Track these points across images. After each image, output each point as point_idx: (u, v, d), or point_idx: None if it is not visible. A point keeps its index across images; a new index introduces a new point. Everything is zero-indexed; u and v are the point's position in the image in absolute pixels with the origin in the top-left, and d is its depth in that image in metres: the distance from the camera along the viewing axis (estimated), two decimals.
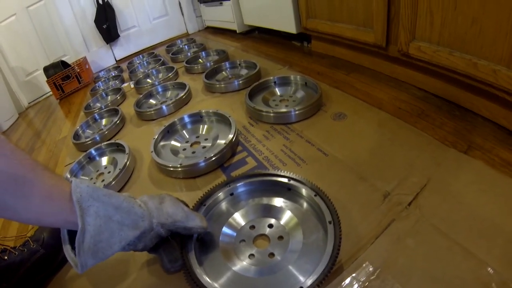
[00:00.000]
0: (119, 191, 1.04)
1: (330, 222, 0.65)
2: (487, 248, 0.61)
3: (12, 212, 0.48)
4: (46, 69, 2.48)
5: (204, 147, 1.11)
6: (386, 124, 1.03)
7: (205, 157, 0.97)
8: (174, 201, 0.65)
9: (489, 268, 0.58)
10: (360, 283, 0.60)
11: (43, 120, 2.21)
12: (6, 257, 0.77)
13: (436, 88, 1.15)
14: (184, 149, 1.13)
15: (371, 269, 0.62)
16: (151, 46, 3.11)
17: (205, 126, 1.22)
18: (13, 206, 0.46)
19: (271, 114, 1.15)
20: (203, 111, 1.23)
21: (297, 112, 1.12)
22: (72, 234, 0.53)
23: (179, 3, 3.08)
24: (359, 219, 0.73)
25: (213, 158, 0.98)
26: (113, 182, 1.02)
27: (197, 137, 1.18)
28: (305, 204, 0.76)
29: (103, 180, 1.10)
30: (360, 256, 0.65)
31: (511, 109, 0.90)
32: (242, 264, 0.67)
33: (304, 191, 0.76)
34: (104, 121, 1.60)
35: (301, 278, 0.60)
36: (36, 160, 0.52)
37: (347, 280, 0.61)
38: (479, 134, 0.92)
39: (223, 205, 0.81)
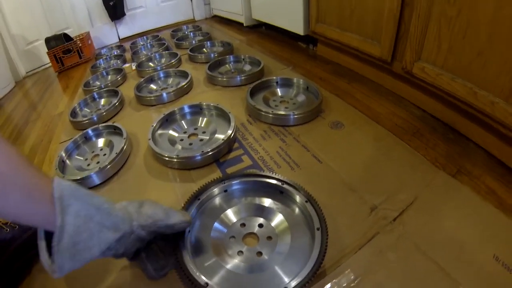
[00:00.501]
0: (114, 175, 1.06)
1: (318, 229, 0.68)
2: (462, 270, 0.65)
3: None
4: (47, 40, 2.45)
5: (201, 140, 1.13)
6: (381, 139, 1.06)
7: (202, 151, 0.99)
8: (153, 203, 0.65)
9: None
10: None
11: (40, 92, 2.20)
12: None
13: (434, 109, 1.17)
14: (182, 140, 1.15)
15: (352, 277, 0.66)
16: (156, 29, 3.10)
17: (205, 119, 1.23)
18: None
19: (270, 115, 1.17)
20: (204, 103, 1.25)
21: (296, 116, 1.14)
22: (48, 235, 0.51)
23: None
24: (345, 228, 0.76)
25: (210, 153, 1.00)
26: (109, 166, 1.03)
27: (196, 129, 1.20)
28: (296, 209, 0.79)
29: (98, 162, 1.11)
30: (343, 264, 0.69)
31: (504, 141, 0.93)
32: (231, 260, 0.70)
33: (296, 196, 0.79)
34: (103, 101, 1.60)
35: (286, 279, 0.64)
36: (21, 155, 0.50)
37: (329, 285, 0.65)
38: (469, 160, 0.96)
39: (217, 201, 0.84)
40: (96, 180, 1.02)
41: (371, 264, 0.68)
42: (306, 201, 0.75)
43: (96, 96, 1.62)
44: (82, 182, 1.00)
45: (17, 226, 0.80)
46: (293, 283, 0.60)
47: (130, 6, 2.90)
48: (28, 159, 0.51)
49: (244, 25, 2.56)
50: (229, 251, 0.72)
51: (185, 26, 2.78)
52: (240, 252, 0.71)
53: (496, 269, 0.65)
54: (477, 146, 1.02)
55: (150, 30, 3.09)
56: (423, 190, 0.85)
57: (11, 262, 0.76)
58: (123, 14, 2.85)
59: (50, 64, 2.58)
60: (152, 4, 3.01)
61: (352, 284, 0.65)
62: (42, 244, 0.50)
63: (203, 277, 0.62)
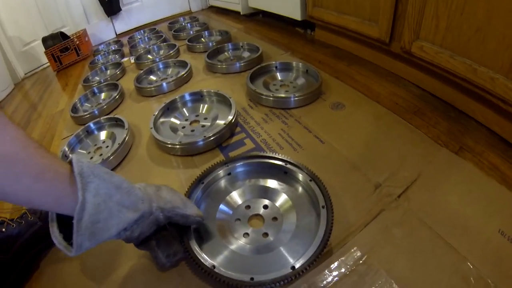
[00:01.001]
0: (117, 166, 1.06)
1: (323, 207, 0.69)
2: (468, 245, 0.65)
3: (12, 198, 0.45)
4: (44, 40, 2.45)
5: (203, 126, 1.13)
6: (382, 118, 1.06)
7: (204, 136, 0.99)
8: (171, 189, 0.65)
9: (469, 263, 0.62)
10: (348, 266, 0.64)
11: (39, 91, 2.20)
12: (4, 229, 0.78)
13: (434, 88, 1.17)
14: (183, 127, 1.15)
15: (358, 254, 0.66)
16: (152, 22, 3.09)
17: (205, 105, 1.24)
18: (0, 186, 0.43)
19: (271, 98, 1.17)
20: (204, 90, 1.25)
21: (296, 98, 1.14)
22: (60, 217, 0.51)
23: None
24: (350, 206, 0.76)
25: (212, 138, 1.00)
26: (112, 157, 1.04)
27: (197, 115, 1.20)
28: (300, 188, 0.79)
29: (101, 154, 1.11)
30: (349, 242, 0.69)
31: (505, 116, 0.93)
32: (237, 242, 0.70)
33: (299, 175, 0.79)
34: (103, 95, 1.61)
35: (292, 259, 0.64)
36: (30, 137, 0.49)
37: (336, 263, 0.65)
38: (471, 137, 0.96)
39: (221, 183, 0.84)
40: None
41: (377, 241, 0.68)
42: (310, 180, 0.76)
43: (96, 90, 1.62)
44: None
45: (23, 222, 0.80)
46: (300, 262, 0.60)
47: (125, 1, 2.89)
48: (37, 141, 0.50)
49: (241, 13, 2.56)
50: (235, 234, 0.72)
51: (182, 18, 2.77)
52: (246, 234, 0.72)
53: (502, 243, 0.65)
54: (478, 123, 1.02)
55: (146, 24, 3.08)
56: (426, 167, 0.85)
57: (19, 257, 0.77)
58: (119, 9, 2.84)
59: (48, 64, 2.58)
60: None
61: (359, 262, 0.65)
62: (54, 228, 0.49)
63: (209, 260, 0.63)
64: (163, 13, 3.14)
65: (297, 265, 0.60)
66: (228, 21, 2.61)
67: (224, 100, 1.20)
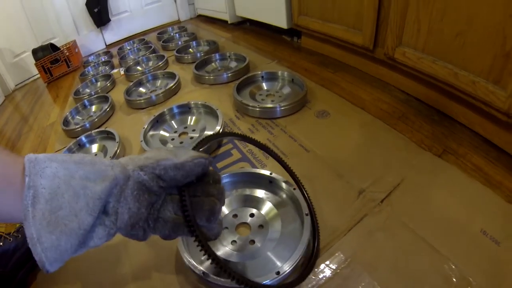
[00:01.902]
0: None
1: (307, 215, 0.72)
2: (450, 246, 0.68)
3: None
4: (34, 52, 2.46)
5: (191, 137, 1.16)
6: (367, 125, 1.09)
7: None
8: (160, 148, 0.54)
9: (451, 263, 0.65)
10: (332, 270, 0.67)
11: (30, 104, 2.21)
12: (1, 243, 0.80)
13: (418, 92, 1.21)
14: (173, 139, 1.17)
15: (342, 258, 0.69)
16: (142, 32, 3.12)
17: (193, 117, 1.26)
18: None
19: (257, 109, 1.20)
20: (192, 102, 1.28)
21: (282, 108, 1.18)
22: None
23: None
24: (334, 212, 0.79)
25: (200, 150, 1.02)
26: None
27: (185, 127, 1.23)
28: (284, 196, 0.83)
29: None
30: (333, 246, 0.72)
31: (487, 118, 0.96)
32: (225, 249, 0.73)
33: (284, 184, 0.82)
34: (94, 108, 1.63)
35: (278, 264, 0.67)
36: None
37: (321, 267, 0.68)
38: (455, 139, 0.99)
39: None
40: None
41: (361, 245, 0.72)
42: (294, 189, 0.79)
43: (87, 103, 1.64)
44: None
45: (20, 235, 0.83)
46: (285, 267, 0.63)
47: (114, 12, 2.91)
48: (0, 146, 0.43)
49: (229, 22, 2.59)
50: (223, 241, 0.75)
51: (170, 28, 2.80)
52: (233, 242, 0.75)
53: (484, 243, 0.69)
54: (462, 125, 1.05)
55: (136, 34, 3.11)
56: (409, 172, 0.88)
57: (17, 270, 0.79)
58: (108, 20, 2.86)
59: (38, 75, 2.59)
60: (137, 8, 3.02)
61: (343, 265, 0.68)
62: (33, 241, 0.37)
63: (200, 267, 0.66)
64: (152, 22, 3.17)
65: (282, 270, 0.63)
66: (216, 30, 2.64)
67: (211, 112, 1.22)
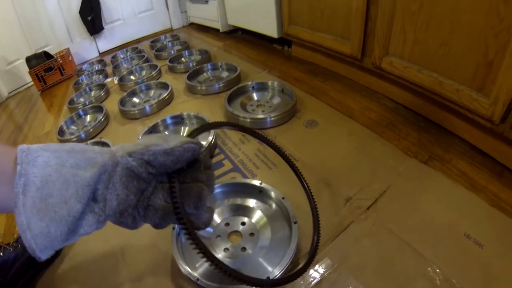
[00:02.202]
0: None
1: (295, 223, 0.76)
2: (434, 250, 0.72)
3: None
4: (28, 60, 2.47)
5: None
6: (355, 133, 1.13)
7: None
8: (152, 135, 0.52)
9: (435, 266, 0.69)
10: (320, 275, 0.71)
11: (24, 112, 2.22)
12: (1, 253, 0.82)
13: (406, 100, 1.25)
14: None
15: (330, 264, 0.73)
16: (135, 40, 3.14)
17: (186, 128, 1.30)
18: None
19: (248, 119, 1.24)
20: (185, 113, 1.31)
21: (272, 118, 1.21)
22: None
23: None
24: (322, 220, 0.80)
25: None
26: None
27: None
28: (274, 205, 0.87)
29: None
30: (321, 252, 0.76)
31: (472, 124, 1.01)
32: (218, 256, 0.77)
33: (273, 193, 0.86)
34: (88, 118, 1.65)
35: (269, 269, 0.71)
36: None
37: (311, 273, 0.72)
38: (441, 146, 1.04)
39: None
40: None
41: (347, 251, 0.75)
42: (283, 198, 0.83)
43: (81, 113, 1.67)
44: None
45: (19, 245, 0.85)
46: (276, 271, 0.67)
47: (108, 20, 2.93)
48: None
49: (221, 31, 2.62)
50: (216, 249, 0.79)
51: (163, 36, 2.83)
52: (226, 249, 0.79)
53: (467, 246, 0.72)
54: (448, 132, 1.10)
55: (129, 42, 3.13)
56: (395, 179, 0.92)
57: (16, 279, 0.82)
58: (102, 28, 2.89)
59: (32, 83, 2.60)
60: (130, 16, 3.05)
61: (330, 270, 0.72)
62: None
63: (194, 273, 0.70)
64: (145, 31, 3.20)
65: (272, 275, 0.67)
66: (208, 38, 2.68)
67: (203, 122, 1.25)
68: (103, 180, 0.41)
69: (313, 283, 0.70)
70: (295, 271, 0.56)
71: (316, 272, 0.72)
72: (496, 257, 0.70)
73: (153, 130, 1.29)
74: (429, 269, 0.69)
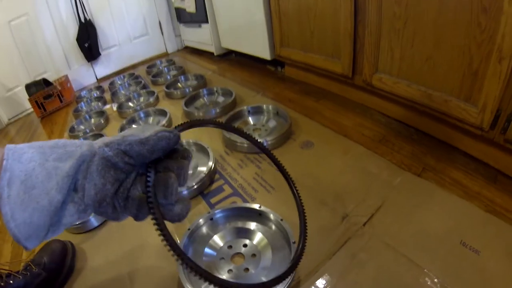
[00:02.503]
0: None
1: (294, 242, 0.81)
2: (430, 259, 0.76)
3: None
4: (28, 87, 2.53)
5: None
6: (349, 151, 1.18)
7: (188, 186, 1.11)
8: (137, 127, 0.51)
9: (432, 275, 0.73)
10: None
11: (25, 139, 2.27)
12: (11, 281, 0.86)
13: (398, 114, 1.31)
14: None
15: (329, 279, 0.78)
16: (131, 65, 3.21)
17: None
18: None
19: (245, 145, 1.29)
20: (184, 140, 1.37)
21: (268, 142, 1.27)
22: None
23: (159, 23, 3.20)
24: (320, 238, 0.88)
25: (195, 186, 1.12)
26: None
27: None
28: (273, 227, 0.92)
29: None
30: (321, 269, 0.81)
31: (463, 133, 1.06)
32: (222, 277, 0.81)
33: (272, 216, 0.92)
34: None
35: None
36: None
37: None
38: (433, 156, 1.09)
39: (204, 229, 0.96)
40: (95, 222, 1.12)
41: (345, 266, 0.80)
42: (281, 219, 0.88)
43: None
44: (81, 225, 1.10)
45: (28, 274, 0.89)
46: None
47: (104, 46, 3.01)
48: None
49: (215, 54, 2.68)
50: (221, 271, 0.84)
51: (159, 61, 2.91)
52: (230, 271, 0.83)
53: (464, 253, 0.76)
54: (440, 142, 1.16)
55: (126, 67, 3.20)
56: (390, 193, 0.97)
57: None
58: (99, 54, 2.96)
59: (31, 109, 2.66)
60: (125, 42, 3.12)
61: (329, 285, 0.76)
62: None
63: None
64: (141, 55, 3.27)
65: None
66: (202, 62, 2.74)
67: (202, 149, 1.31)
68: (82, 170, 0.43)
69: None
70: (276, 277, 0.58)
71: None
72: (492, 262, 0.74)
73: None
74: (426, 278, 0.73)
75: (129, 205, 0.45)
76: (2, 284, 0.85)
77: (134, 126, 1.74)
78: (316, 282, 0.78)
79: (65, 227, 0.44)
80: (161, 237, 0.42)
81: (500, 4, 0.82)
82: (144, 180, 0.45)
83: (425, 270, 0.74)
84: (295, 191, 0.75)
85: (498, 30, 0.84)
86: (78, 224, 1.10)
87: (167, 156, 0.47)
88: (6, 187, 0.38)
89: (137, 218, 0.46)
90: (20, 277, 0.88)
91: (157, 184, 0.44)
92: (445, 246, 0.79)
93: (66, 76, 2.79)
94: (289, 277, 0.67)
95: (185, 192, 1.11)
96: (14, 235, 0.38)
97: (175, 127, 0.49)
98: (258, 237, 0.91)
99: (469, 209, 0.88)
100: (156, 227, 0.42)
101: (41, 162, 0.41)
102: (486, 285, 0.70)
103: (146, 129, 0.45)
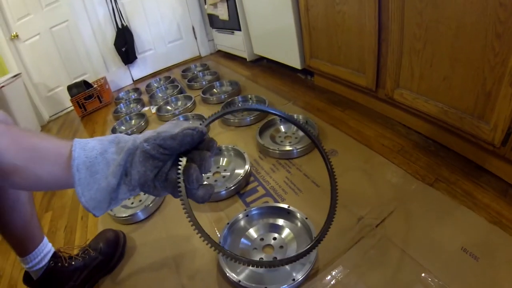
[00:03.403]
0: (156, 211, 1.35)
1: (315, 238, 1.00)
2: (432, 261, 0.89)
3: (24, 175, 0.50)
4: (69, 88, 2.77)
5: (223, 176, 1.43)
6: (369, 161, 1.33)
7: (226, 187, 1.30)
8: (174, 121, 0.60)
9: (431, 274, 0.86)
10: (335, 279, 0.92)
11: (68, 137, 2.32)
12: (73, 263, 1.06)
13: (417, 126, 1.43)
14: (208, 178, 1.44)
15: (343, 270, 0.94)
16: (165, 68, 3.43)
17: (225, 159, 1.53)
18: (25, 167, 0.49)
19: (277, 151, 1.48)
20: (223, 146, 1.55)
21: (298, 150, 1.44)
22: None
23: (193, 28, 3.41)
24: (338, 235, 1.04)
25: (233, 187, 1.31)
26: (151, 204, 1.33)
27: (218, 167, 1.49)
28: (299, 224, 1.11)
29: (140, 200, 1.41)
30: (336, 261, 0.97)
31: (477, 147, 1.17)
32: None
33: (298, 215, 1.10)
34: None
35: (294, 274, 0.95)
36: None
37: (327, 277, 0.94)
38: (448, 168, 1.21)
39: (242, 223, 1.15)
40: (141, 216, 1.32)
41: (358, 260, 0.96)
42: (306, 218, 1.07)
43: None
44: (130, 218, 1.31)
45: (87, 256, 1.10)
46: (299, 276, 0.92)
47: (140, 50, 3.24)
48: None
49: (247, 60, 2.83)
50: (253, 258, 1.01)
51: (193, 65, 3.09)
52: (261, 259, 1.03)
53: (463, 259, 0.88)
54: (456, 154, 1.27)
55: (160, 70, 3.42)
56: (402, 200, 1.11)
57: (83, 284, 1.08)
58: (135, 58, 3.19)
59: (71, 108, 2.92)
60: (160, 46, 3.35)
61: (343, 275, 0.93)
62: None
63: (236, 276, 0.95)
64: (175, 59, 3.48)
65: (296, 278, 0.92)
66: (235, 67, 2.90)
67: (239, 154, 1.49)
68: (129, 161, 0.53)
69: (328, 286, 0.91)
70: (303, 251, 0.70)
71: (331, 276, 0.93)
72: (490, 268, 0.84)
73: None
74: (426, 276, 0.85)
75: (167, 184, 0.55)
76: (66, 264, 1.05)
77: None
78: (332, 272, 0.94)
79: (122, 201, 0.56)
80: (186, 215, 0.55)
81: None
82: (176, 166, 0.55)
83: (427, 269, 0.87)
84: (333, 179, 0.83)
85: (510, 55, 0.92)
86: (128, 216, 1.30)
87: (195, 147, 0.56)
88: (76, 172, 0.49)
89: (174, 195, 0.56)
90: (80, 259, 1.08)
91: (183, 172, 0.54)
92: (447, 251, 0.91)
93: (105, 78, 3.03)
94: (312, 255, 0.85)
95: (223, 192, 1.29)
96: (85, 206, 0.51)
97: (200, 123, 0.59)
98: (285, 232, 1.09)
99: (475, 219, 0.98)
100: (182, 206, 0.55)
101: (101, 152, 0.52)
102: (480, 286, 0.82)
103: (177, 125, 0.55)
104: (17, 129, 0.52)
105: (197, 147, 0.56)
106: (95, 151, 0.51)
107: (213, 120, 0.62)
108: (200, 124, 0.58)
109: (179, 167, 0.54)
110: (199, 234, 0.55)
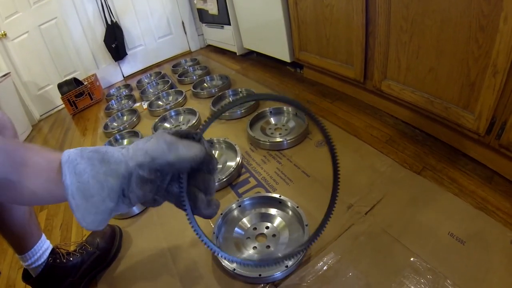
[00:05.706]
0: (148, 208, 1.38)
1: (306, 225, 1.03)
2: (420, 245, 0.92)
3: (18, 190, 0.49)
4: (60, 86, 2.76)
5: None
6: (358, 150, 1.36)
7: (218, 178, 1.33)
8: (161, 134, 0.54)
9: (420, 258, 0.89)
10: (327, 265, 0.95)
11: (60, 135, 2.49)
12: (71, 258, 1.07)
13: (404, 116, 1.46)
14: None
15: (334, 256, 0.97)
16: (156, 63, 3.43)
17: (217, 151, 1.55)
18: (18, 182, 0.48)
19: (268, 143, 1.51)
20: (215, 139, 1.57)
21: (288, 141, 1.47)
22: None
23: (182, 23, 3.41)
24: (328, 223, 0.97)
25: (225, 179, 1.33)
26: None
27: None
28: (290, 213, 1.14)
29: None
30: (327, 248, 1.00)
31: (462, 136, 1.20)
32: (248, 253, 1.04)
33: (289, 204, 1.13)
34: (125, 142, 1.92)
35: (286, 261, 0.96)
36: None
37: (319, 264, 0.96)
38: (434, 156, 1.24)
39: (235, 213, 1.18)
40: (136, 210, 1.35)
41: (348, 246, 0.99)
42: (297, 207, 1.10)
43: (118, 137, 1.93)
44: (125, 212, 1.32)
45: (84, 252, 1.12)
46: (291, 263, 0.95)
47: (130, 46, 3.23)
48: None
49: (237, 54, 2.84)
50: (247, 247, 1.06)
51: (183, 60, 3.10)
52: (254, 247, 1.05)
53: (450, 243, 0.91)
54: (443, 143, 1.30)
55: (151, 65, 3.42)
56: (391, 188, 1.14)
57: (82, 278, 1.09)
58: (125, 54, 3.18)
59: (62, 106, 2.91)
60: (151, 41, 3.34)
61: (334, 261, 0.96)
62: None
63: (230, 265, 0.98)
64: (165, 54, 3.47)
65: (289, 264, 0.94)
66: (225, 61, 2.92)
67: (230, 147, 1.52)
68: (126, 186, 0.52)
69: (321, 271, 0.94)
70: (305, 242, 0.78)
71: (323, 262, 0.96)
72: (475, 251, 0.88)
73: None
74: (415, 260, 0.89)
75: (169, 197, 0.57)
76: (64, 260, 1.06)
77: (167, 125, 1.97)
78: (324, 258, 0.97)
79: (122, 212, 0.61)
80: (195, 232, 0.59)
81: (496, 23, 0.92)
82: (178, 183, 0.55)
83: (415, 254, 0.90)
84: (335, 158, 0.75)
85: (493, 47, 0.95)
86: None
87: (195, 169, 0.56)
88: (72, 199, 0.48)
89: (177, 206, 0.58)
90: (78, 255, 1.10)
91: (188, 197, 0.55)
92: (435, 236, 0.94)
93: (95, 75, 3.02)
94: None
95: (215, 184, 1.28)
96: (86, 228, 0.51)
97: (198, 129, 0.57)
98: (277, 220, 1.12)
99: (461, 205, 1.02)
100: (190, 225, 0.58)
101: (92, 174, 0.50)
102: (465, 268, 0.85)
103: (174, 147, 0.51)
104: (10, 142, 0.51)
105: (198, 168, 0.56)
106: (86, 174, 0.49)
107: (210, 123, 0.59)
108: (199, 130, 0.57)
109: (181, 184, 0.53)
110: (211, 250, 0.60)
